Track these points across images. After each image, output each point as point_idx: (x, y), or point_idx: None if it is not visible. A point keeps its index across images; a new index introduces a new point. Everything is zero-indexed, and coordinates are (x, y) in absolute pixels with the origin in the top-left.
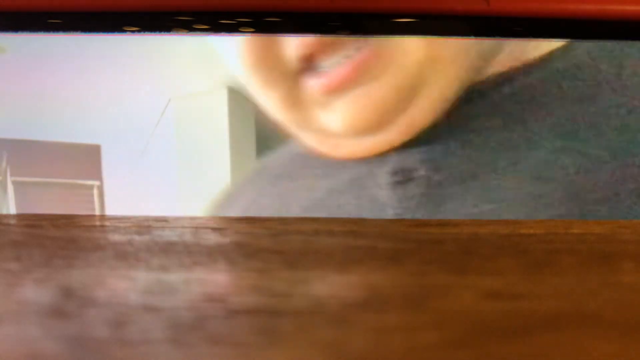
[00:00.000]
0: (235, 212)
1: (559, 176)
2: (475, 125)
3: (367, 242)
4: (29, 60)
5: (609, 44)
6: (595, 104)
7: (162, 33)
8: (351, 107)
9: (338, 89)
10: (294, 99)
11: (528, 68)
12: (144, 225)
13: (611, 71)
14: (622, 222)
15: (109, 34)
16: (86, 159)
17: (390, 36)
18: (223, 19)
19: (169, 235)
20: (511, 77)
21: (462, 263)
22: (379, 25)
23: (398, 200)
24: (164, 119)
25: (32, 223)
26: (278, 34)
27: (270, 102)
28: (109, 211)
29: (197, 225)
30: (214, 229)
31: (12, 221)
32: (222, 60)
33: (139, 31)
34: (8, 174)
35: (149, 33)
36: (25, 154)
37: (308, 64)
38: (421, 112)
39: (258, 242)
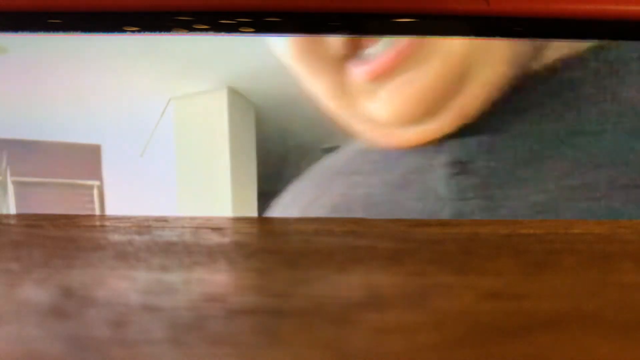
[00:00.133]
0: (293, 212)
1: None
2: (531, 112)
3: (367, 242)
4: (29, 60)
5: None
6: None
7: (162, 33)
8: (396, 95)
9: (383, 75)
10: (341, 87)
11: (583, 56)
12: (144, 225)
13: None
14: (622, 222)
15: (109, 34)
16: (86, 159)
17: (390, 36)
18: (223, 19)
19: (169, 235)
20: (568, 64)
21: (462, 263)
22: (379, 25)
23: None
24: (164, 119)
25: (32, 223)
26: (278, 34)
27: (319, 91)
28: (109, 211)
29: (197, 225)
30: (214, 229)
31: (12, 221)
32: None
33: (139, 31)
34: (8, 174)
35: (149, 33)
36: (25, 154)
37: (353, 51)
38: (472, 99)
39: (258, 242)
